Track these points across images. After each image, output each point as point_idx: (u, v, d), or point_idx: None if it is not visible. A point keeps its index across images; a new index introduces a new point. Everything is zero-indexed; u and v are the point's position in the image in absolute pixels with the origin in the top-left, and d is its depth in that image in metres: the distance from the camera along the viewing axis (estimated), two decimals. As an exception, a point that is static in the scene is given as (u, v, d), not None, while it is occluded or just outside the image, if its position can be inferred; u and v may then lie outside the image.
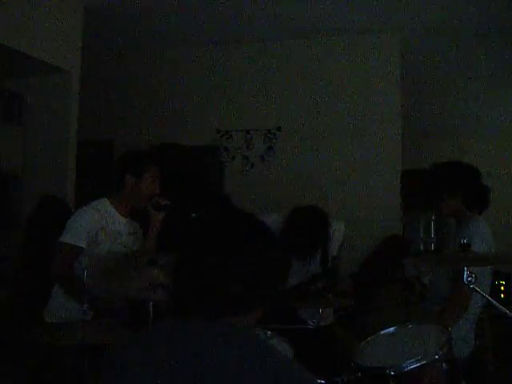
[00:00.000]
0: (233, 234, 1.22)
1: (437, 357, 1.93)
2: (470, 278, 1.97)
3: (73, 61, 4.41)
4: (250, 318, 1.19)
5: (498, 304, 2.00)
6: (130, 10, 4.72)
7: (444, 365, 1.95)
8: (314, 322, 2.65)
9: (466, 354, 2.49)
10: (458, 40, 5.20)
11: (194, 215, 2.55)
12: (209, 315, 1.15)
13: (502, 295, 5.00)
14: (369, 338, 2.21)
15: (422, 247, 5.91)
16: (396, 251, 4.75)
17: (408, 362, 1.92)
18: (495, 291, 4.85)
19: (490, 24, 4.80)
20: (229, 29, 5.19)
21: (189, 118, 5.64)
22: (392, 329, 2.24)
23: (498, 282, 4.96)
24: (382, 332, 2.23)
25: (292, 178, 5.24)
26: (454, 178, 2.70)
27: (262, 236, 1.24)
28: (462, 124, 6.38)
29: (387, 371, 1.92)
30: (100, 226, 2.62)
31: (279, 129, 5.42)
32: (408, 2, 4.52)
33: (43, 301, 2.72)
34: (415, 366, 1.91)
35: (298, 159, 5.33)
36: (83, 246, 2.56)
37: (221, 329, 1.13)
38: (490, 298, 2.02)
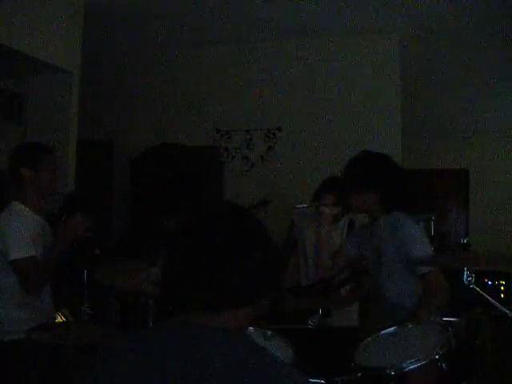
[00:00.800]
0: (231, 229, 1.20)
1: (437, 357, 1.93)
2: (469, 278, 1.97)
3: (73, 61, 4.40)
4: (243, 315, 1.18)
5: (498, 304, 2.00)
6: (130, 10, 4.72)
7: (444, 365, 1.95)
8: (314, 322, 2.64)
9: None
10: (458, 40, 5.20)
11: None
12: (205, 309, 1.14)
13: (502, 295, 5.00)
14: (369, 338, 2.21)
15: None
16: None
17: (408, 361, 1.92)
18: (495, 291, 4.85)
19: (490, 24, 4.80)
20: (229, 29, 5.19)
21: (189, 117, 5.64)
22: (392, 329, 2.24)
23: (498, 282, 4.96)
24: (382, 332, 2.23)
25: (292, 178, 5.24)
26: (372, 172, 2.53)
27: (259, 231, 1.23)
28: (461, 124, 6.39)
29: (387, 371, 1.92)
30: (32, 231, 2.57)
31: (279, 129, 5.42)
32: (408, 2, 4.53)
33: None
34: (415, 366, 1.91)
35: (297, 159, 5.33)
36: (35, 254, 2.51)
37: (217, 335, 1.12)
38: (490, 298, 2.02)
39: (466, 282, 1.96)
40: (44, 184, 2.65)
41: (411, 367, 1.91)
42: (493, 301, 2.02)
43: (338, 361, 2.15)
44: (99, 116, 5.69)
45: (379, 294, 2.61)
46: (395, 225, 2.48)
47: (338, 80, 5.37)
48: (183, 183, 5.50)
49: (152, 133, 5.61)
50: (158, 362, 1.10)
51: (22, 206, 2.62)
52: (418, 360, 1.91)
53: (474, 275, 1.96)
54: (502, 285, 5.00)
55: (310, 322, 2.64)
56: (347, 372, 2.01)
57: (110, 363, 1.15)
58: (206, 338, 1.11)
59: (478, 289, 1.99)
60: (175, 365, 1.09)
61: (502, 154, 6.44)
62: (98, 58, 5.48)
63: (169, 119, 5.69)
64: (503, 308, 1.99)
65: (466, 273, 1.96)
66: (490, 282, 4.89)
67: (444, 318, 2.28)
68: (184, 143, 5.32)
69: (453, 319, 2.39)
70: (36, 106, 4.54)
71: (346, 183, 2.63)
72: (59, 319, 2.89)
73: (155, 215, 4.87)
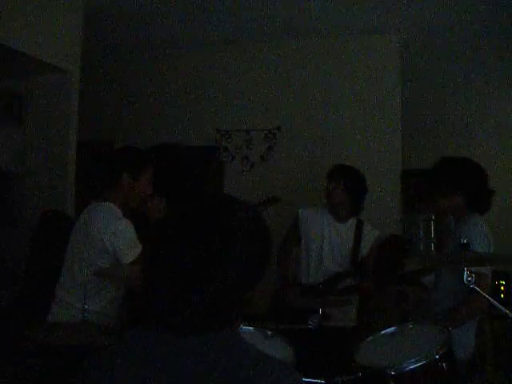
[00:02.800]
0: (222, 223, 1.13)
1: (437, 357, 1.93)
2: (469, 278, 1.97)
3: (73, 61, 4.40)
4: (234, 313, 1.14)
5: (498, 304, 2.00)
6: (130, 10, 4.72)
7: (444, 365, 1.95)
8: (314, 322, 2.64)
9: (466, 357, 2.48)
10: (458, 40, 5.20)
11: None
12: (190, 324, 1.08)
13: (502, 295, 4.99)
14: (369, 338, 2.21)
15: (421, 247, 5.91)
16: (396, 251, 4.75)
17: (408, 361, 1.92)
18: (495, 291, 4.84)
19: (490, 24, 4.80)
20: (229, 29, 5.19)
21: (189, 117, 5.64)
22: (392, 329, 2.24)
23: (498, 282, 4.95)
24: (382, 332, 2.23)
25: (292, 177, 5.24)
26: (459, 175, 2.64)
27: (252, 223, 1.16)
28: (462, 124, 6.38)
29: (387, 371, 1.92)
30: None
31: (279, 129, 5.42)
32: (408, 2, 4.53)
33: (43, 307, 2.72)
34: (415, 365, 1.91)
35: (297, 159, 5.33)
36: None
37: (207, 342, 1.08)
38: (490, 298, 2.02)
39: (465, 282, 1.96)
40: (139, 194, 2.65)
41: (411, 367, 1.91)
42: (493, 301, 2.02)
43: (337, 361, 2.15)
44: (99, 116, 5.68)
45: (439, 285, 2.68)
46: (469, 228, 2.57)
47: (338, 80, 5.36)
48: (183, 183, 5.49)
49: (152, 133, 5.61)
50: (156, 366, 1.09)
51: (116, 207, 2.59)
52: (418, 360, 1.92)
53: (474, 275, 1.96)
54: (502, 285, 5.00)
55: (310, 322, 2.64)
56: (347, 372, 2.01)
57: (114, 364, 1.15)
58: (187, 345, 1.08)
59: (478, 289, 1.99)
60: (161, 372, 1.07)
61: (502, 154, 6.43)
62: (98, 58, 5.47)
63: (169, 119, 5.69)
64: (503, 308, 1.99)
65: (465, 273, 1.96)
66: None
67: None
68: (184, 143, 5.31)
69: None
70: (36, 106, 4.54)
71: (432, 186, 2.73)
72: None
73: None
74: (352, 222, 3.43)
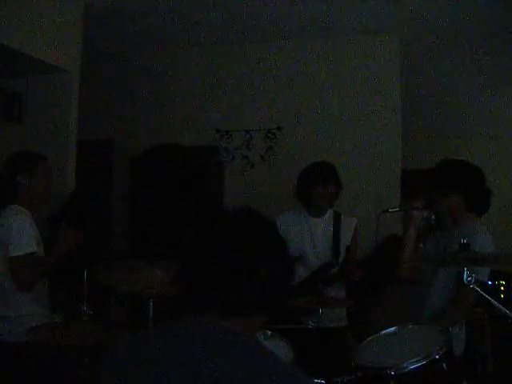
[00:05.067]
0: (247, 233, 1.20)
1: (437, 357, 1.93)
2: (469, 278, 1.97)
3: (73, 61, 4.40)
4: (255, 322, 1.19)
5: (498, 304, 2.00)
6: (131, 10, 4.72)
7: (444, 365, 1.95)
8: (314, 322, 2.64)
9: (459, 352, 2.50)
10: (458, 40, 5.20)
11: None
12: (219, 315, 1.14)
13: (502, 295, 4.99)
14: (369, 338, 2.21)
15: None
16: (396, 251, 4.74)
17: (408, 362, 1.92)
18: (495, 291, 4.84)
19: (490, 24, 4.80)
20: (229, 29, 5.19)
21: (189, 117, 5.64)
22: (392, 329, 2.24)
23: (498, 282, 4.95)
24: (382, 332, 2.23)
25: (292, 177, 5.23)
26: (459, 176, 2.68)
27: (273, 234, 1.24)
28: (462, 124, 6.38)
29: (387, 371, 1.92)
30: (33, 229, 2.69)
31: (279, 129, 5.42)
32: (408, 2, 4.53)
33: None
34: (415, 366, 1.91)
35: (297, 159, 5.33)
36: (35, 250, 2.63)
37: (224, 337, 1.12)
38: (490, 298, 2.02)
39: (465, 282, 1.96)
40: (39, 190, 2.78)
41: (411, 367, 1.91)
42: (493, 301, 2.02)
43: (337, 361, 2.15)
44: (99, 116, 5.68)
45: (429, 289, 2.68)
46: (471, 234, 2.54)
47: (338, 80, 5.36)
48: (183, 183, 5.49)
49: (152, 133, 5.61)
50: (173, 361, 1.10)
51: (22, 208, 2.71)
52: (418, 360, 1.91)
53: (474, 275, 1.96)
54: (502, 285, 5.00)
55: (310, 321, 2.64)
56: (347, 372, 2.01)
57: (122, 362, 1.15)
58: (208, 345, 1.11)
59: (478, 289, 1.99)
60: (177, 371, 1.08)
61: (502, 153, 6.43)
62: (98, 58, 5.47)
63: (169, 119, 5.69)
64: (503, 308, 1.99)
65: (465, 273, 1.96)
66: (490, 282, 4.89)
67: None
68: (184, 143, 5.31)
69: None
70: (36, 106, 4.54)
71: (433, 186, 2.75)
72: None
73: (156, 216, 4.87)
74: (329, 214, 3.43)
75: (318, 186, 3.34)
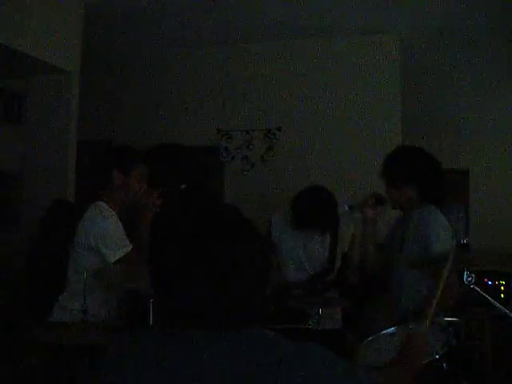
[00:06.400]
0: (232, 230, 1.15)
1: (437, 357, 1.93)
2: (469, 278, 1.97)
3: (73, 61, 4.41)
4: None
5: (498, 304, 2.00)
6: (131, 10, 4.72)
7: (444, 365, 1.95)
8: (314, 322, 2.64)
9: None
10: (459, 40, 5.20)
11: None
12: (214, 325, 1.11)
13: (502, 295, 4.99)
14: (369, 338, 2.21)
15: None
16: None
17: (408, 362, 1.91)
18: (495, 291, 4.84)
19: (490, 24, 4.80)
20: (229, 29, 5.19)
21: (189, 118, 5.64)
22: (392, 329, 2.24)
23: (498, 282, 4.95)
24: (382, 332, 2.23)
25: (292, 178, 5.24)
26: (409, 167, 2.58)
27: (254, 233, 1.18)
28: (461, 124, 6.38)
29: (387, 371, 1.92)
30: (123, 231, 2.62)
31: (279, 129, 5.42)
32: (408, 2, 4.53)
33: (46, 301, 2.73)
34: (415, 365, 1.91)
35: (297, 159, 5.33)
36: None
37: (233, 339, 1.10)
38: (490, 298, 2.02)
39: (465, 282, 1.96)
40: (131, 190, 2.68)
41: (411, 367, 1.90)
42: (493, 301, 2.02)
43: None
44: (99, 116, 5.68)
45: (394, 283, 2.65)
46: (424, 217, 2.53)
47: (338, 80, 5.36)
48: (183, 183, 5.48)
49: (152, 133, 5.60)
50: (170, 365, 1.09)
51: (108, 207, 2.63)
52: (418, 360, 1.91)
53: (474, 275, 1.96)
54: (502, 285, 5.00)
55: (310, 321, 2.64)
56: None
57: (120, 365, 1.15)
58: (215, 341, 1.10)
59: (478, 289, 1.98)
60: (182, 369, 1.08)
61: (502, 154, 6.43)
62: (98, 57, 5.47)
63: (169, 119, 5.69)
64: (503, 308, 1.99)
65: (465, 273, 1.96)
66: (490, 282, 4.89)
67: (444, 318, 2.28)
68: (184, 143, 5.31)
69: (453, 319, 2.39)
70: (36, 105, 4.54)
71: (384, 179, 2.67)
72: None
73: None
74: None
75: (311, 215, 3.22)
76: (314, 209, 3.14)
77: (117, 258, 2.52)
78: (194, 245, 1.11)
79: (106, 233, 2.53)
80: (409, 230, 2.59)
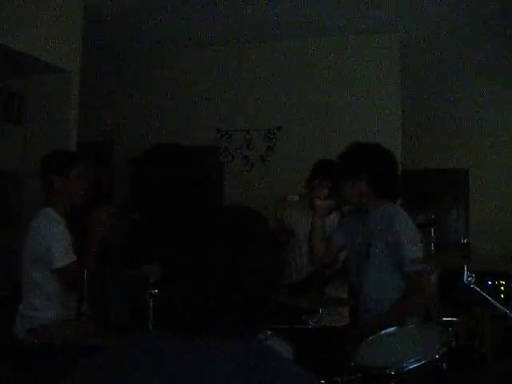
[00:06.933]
0: (239, 232, 1.14)
1: (437, 357, 1.93)
2: (469, 278, 1.97)
3: (73, 61, 4.40)
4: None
5: (498, 304, 2.00)
6: (130, 10, 4.72)
7: (444, 365, 1.95)
8: (314, 322, 2.64)
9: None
10: (458, 40, 5.21)
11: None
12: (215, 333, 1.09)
13: (502, 295, 5.00)
14: (369, 338, 2.21)
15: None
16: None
17: (408, 361, 1.92)
18: (495, 291, 4.85)
19: (490, 24, 4.80)
20: (229, 29, 5.19)
21: (189, 117, 5.64)
22: (392, 329, 2.24)
23: (498, 282, 4.96)
24: (383, 332, 2.23)
25: (292, 177, 5.24)
26: (360, 160, 2.54)
27: (266, 233, 1.17)
28: (462, 124, 6.39)
29: (387, 371, 1.92)
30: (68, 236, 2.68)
31: (279, 129, 5.42)
32: (408, 2, 4.53)
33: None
34: (415, 365, 1.91)
35: (297, 159, 5.33)
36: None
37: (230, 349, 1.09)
38: (490, 298, 2.02)
39: (465, 282, 1.96)
40: (71, 191, 2.74)
41: (411, 367, 1.90)
42: (493, 301, 2.02)
43: (337, 361, 2.15)
44: (99, 116, 5.68)
45: (361, 286, 2.61)
46: (388, 217, 2.49)
47: (338, 80, 5.36)
48: (183, 183, 5.49)
49: (152, 133, 5.61)
50: (163, 368, 1.08)
51: (53, 211, 2.69)
52: (418, 360, 1.91)
53: (474, 275, 1.96)
54: (502, 285, 5.00)
55: (310, 321, 2.64)
56: (347, 372, 2.01)
57: (117, 366, 1.14)
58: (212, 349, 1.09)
59: (478, 289, 1.98)
60: (178, 372, 1.07)
61: (502, 154, 6.43)
62: (98, 57, 5.47)
63: (169, 119, 5.69)
64: (503, 308, 1.99)
65: (466, 273, 1.96)
66: (490, 282, 4.89)
67: (444, 318, 2.28)
68: (184, 143, 5.31)
69: (453, 319, 2.40)
70: (36, 106, 4.54)
71: (337, 174, 2.64)
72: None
73: (156, 215, 4.86)
74: (335, 215, 3.36)
75: (315, 178, 3.32)
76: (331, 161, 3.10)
77: (61, 264, 2.57)
78: (198, 250, 1.10)
79: (53, 238, 2.59)
80: (373, 232, 2.53)
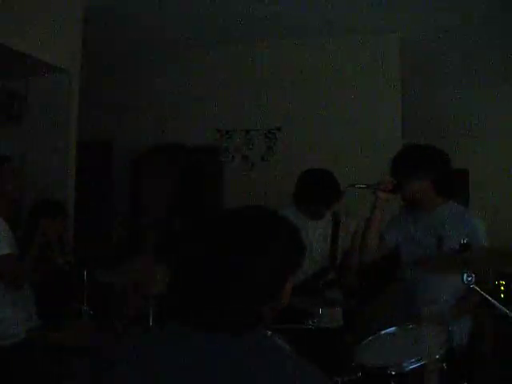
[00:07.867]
0: (256, 230, 1.20)
1: (437, 357, 1.93)
2: (469, 278, 1.97)
3: (73, 61, 4.40)
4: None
5: (498, 304, 2.00)
6: (131, 10, 4.72)
7: (444, 365, 1.95)
8: (314, 322, 2.64)
9: (464, 341, 2.52)
10: (458, 40, 5.20)
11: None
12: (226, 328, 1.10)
13: (502, 295, 4.99)
14: (369, 338, 2.21)
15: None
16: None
17: (408, 361, 1.92)
18: (495, 291, 4.84)
19: (490, 24, 4.80)
20: (229, 29, 5.19)
21: (189, 117, 5.64)
22: (392, 329, 2.24)
23: (498, 282, 4.95)
24: (383, 332, 2.23)
25: (292, 178, 5.23)
26: (425, 160, 2.61)
27: (284, 231, 1.24)
28: (461, 124, 6.38)
29: (388, 371, 1.92)
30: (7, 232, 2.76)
31: (279, 129, 5.42)
32: (408, 2, 4.53)
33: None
34: (415, 365, 1.91)
35: (297, 159, 5.32)
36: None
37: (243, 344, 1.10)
38: (490, 298, 2.02)
39: (465, 282, 1.96)
40: (6, 191, 2.86)
41: (411, 367, 1.91)
42: (493, 301, 2.02)
43: (337, 361, 2.15)
44: (99, 116, 5.68)
45: (414, 281, 2.64)
46: (461, 212, 2.59)
47: (338, 80, 5.36)
48: (183, 183, 5.49)
49: (152, 133, 5.61)
50: (165, 368, 1.09)
51: None
52: (419, 360, 1.91)
53: (473, 275, 1.96)
54: (502, 285, 4.99)
55: (310, 321, 2.64)
56: (347, 372, 2.01)
57: (118, 366, 1.14)
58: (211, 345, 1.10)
59: (478, 289, 1.98)
60: (180, 372, 1.07)
61: (502, 154, 6.43)
62: (98, 58, 5.47)
63: (169, 119, 5.69)
64: (503, 308, 1.99)
65: (466, 273, 1.96)
66: (490, 282, 4.88)
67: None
68: (184, 143, 5.31)
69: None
70: (36, 105, 4.53)
71: (400, 172, 2.68)
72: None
73: (156, 215, 4.86)
74: (328, 218, 3.34)
75: (315, 189, 3.27)
76: (320, 182, 3.21)
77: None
78: (210, 250, 1.14)
79: None
80: (443, 226, 2.59)
